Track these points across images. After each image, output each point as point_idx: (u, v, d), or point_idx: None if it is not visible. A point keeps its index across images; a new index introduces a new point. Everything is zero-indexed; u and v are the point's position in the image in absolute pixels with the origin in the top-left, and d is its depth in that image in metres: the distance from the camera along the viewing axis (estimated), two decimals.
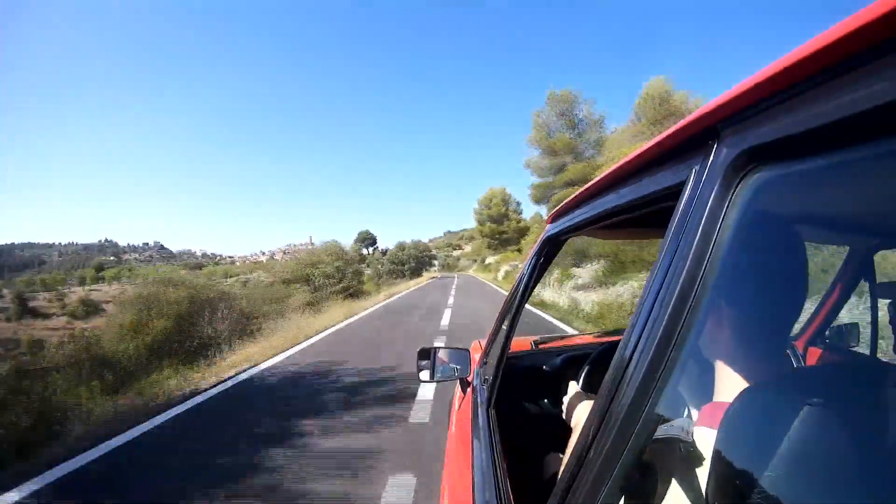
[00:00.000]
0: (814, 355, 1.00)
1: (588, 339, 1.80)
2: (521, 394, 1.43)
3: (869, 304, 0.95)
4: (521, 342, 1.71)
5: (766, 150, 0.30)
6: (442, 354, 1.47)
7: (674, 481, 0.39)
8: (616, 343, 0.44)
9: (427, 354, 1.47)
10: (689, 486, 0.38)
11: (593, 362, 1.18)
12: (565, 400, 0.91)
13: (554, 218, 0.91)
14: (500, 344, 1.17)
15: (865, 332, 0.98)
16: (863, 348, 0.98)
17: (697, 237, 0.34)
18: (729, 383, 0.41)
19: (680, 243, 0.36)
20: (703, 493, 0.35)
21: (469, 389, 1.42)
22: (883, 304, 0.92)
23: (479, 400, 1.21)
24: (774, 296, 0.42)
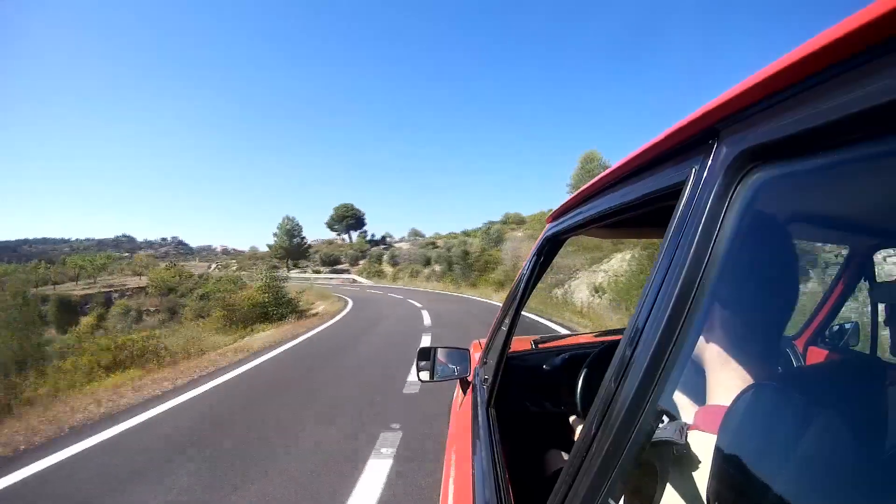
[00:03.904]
0: (814, 355, 1.00)
1: (588, 338, 1.80)
2: (521, 393, 1.44)
3: (869, 304, 0.95)
4: (521, 342, 1.71)
5: (766, 150, 0.30)
6: (441, 354, 1.47)
7: (673, 482, 0.39)
8: (616, 343, 0.44)
9: (427, 354, 1.47)
10: (689, 487, 0.38)
11: (593, 362, 1.18)
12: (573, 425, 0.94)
13: (554, 217, 0.91)
14: (499, 343, 1.17)
15: (865, 332, 0.98)
16: (863, 348, 0.98)
17: (697, 237, 0.34)
18: (729, 384, 0.41)
19: (680, 243, 0.36)
20: (702, 495, 0.35)
21: (469, 389, 1.42)
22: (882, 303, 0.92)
23: (478, 399, 1.21)
24: (774, 296, 0.42)
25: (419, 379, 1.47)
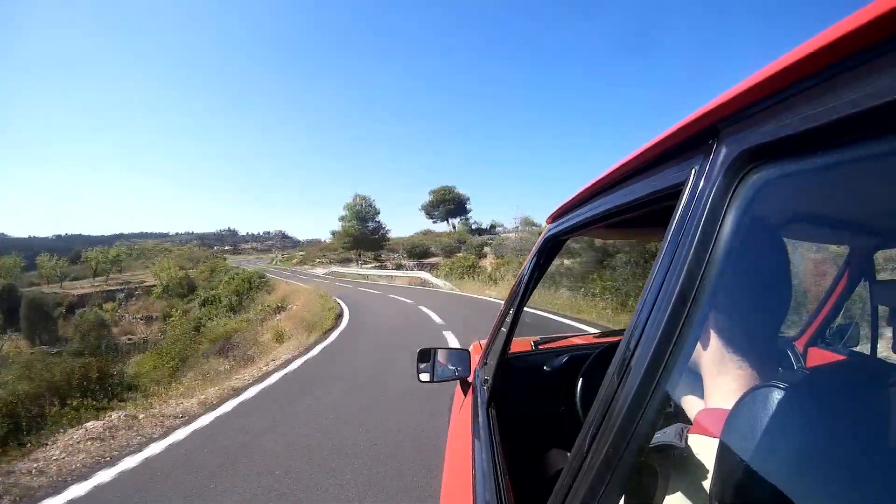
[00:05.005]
0: (814, 356, 1.00)
1: (589, 339, 1.80)
2: (521, 394, 1.43)
3: (869, 305, 0.94)
4: (522, 342, 1.71)
5: (766, 150, 0.30)
6: (442, 355, 1.46)
7: (674, 484, 0.39)
8: (616, 344, 0.44)
9: (427, 356, 1.46)
10: (689, 489, 0.38)
11: (594, 363, 1.18)
12: None
13: (554, 218, 0.91)
14: (500, 344, 1.17)
15: (866, 333, 0.98)
16: (863, 349, 0.98)
17: (697, 237, 0.34)
18: (730, 386, 0.41)
19: (680, 243, 0.36)
20: (704, 497, 0.35)
21: (469, 390, 1.42)
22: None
23: (479, 400, 1.21)
24: (775, 296, 0.42)
25: (419, 380, 1.46)
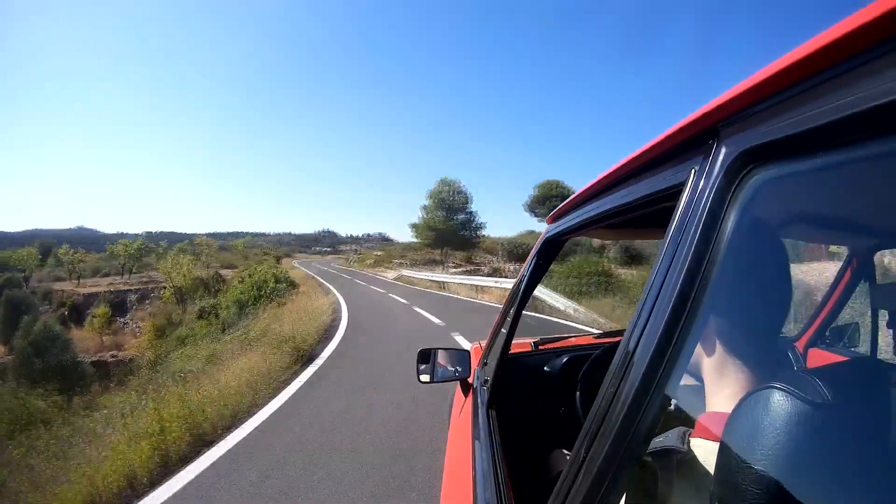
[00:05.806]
0: (815, 357, 1.00)
1: (589, 339, 1.79)
2: (521, 394, 1.43)
3: (869, 305, 0.94)
4: (522, 343, 1.71)
5: (766, 150, 0.30)
6: (442, 356, 1.46)
7: (674, 486, 0.39)
8: (616, 344, 0.44)
9: (427, 356, 1.46)
10: (689, 491, 0.38)
11: (594, 363, 1.18)
12: None
13: (554, 218, 0.91)
14: (500, 345, 1.17)
15: (866, 334, 0.98)
16: (864, 349, 0.97)
17: (697, 237, 0.34)
18: (730, 388, 0.41)
19: (680, 243, 0.36)
20: (705, 499, 0.35)
21: (469, 391, 1.42)
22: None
23: (479, 401, 1.21)
24: (775, 297, 0.42)
25: (419, 380, 1.46)
